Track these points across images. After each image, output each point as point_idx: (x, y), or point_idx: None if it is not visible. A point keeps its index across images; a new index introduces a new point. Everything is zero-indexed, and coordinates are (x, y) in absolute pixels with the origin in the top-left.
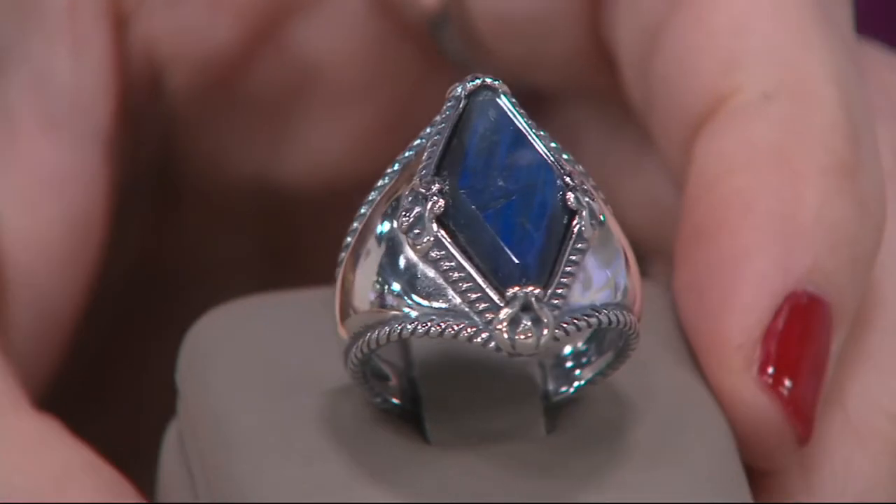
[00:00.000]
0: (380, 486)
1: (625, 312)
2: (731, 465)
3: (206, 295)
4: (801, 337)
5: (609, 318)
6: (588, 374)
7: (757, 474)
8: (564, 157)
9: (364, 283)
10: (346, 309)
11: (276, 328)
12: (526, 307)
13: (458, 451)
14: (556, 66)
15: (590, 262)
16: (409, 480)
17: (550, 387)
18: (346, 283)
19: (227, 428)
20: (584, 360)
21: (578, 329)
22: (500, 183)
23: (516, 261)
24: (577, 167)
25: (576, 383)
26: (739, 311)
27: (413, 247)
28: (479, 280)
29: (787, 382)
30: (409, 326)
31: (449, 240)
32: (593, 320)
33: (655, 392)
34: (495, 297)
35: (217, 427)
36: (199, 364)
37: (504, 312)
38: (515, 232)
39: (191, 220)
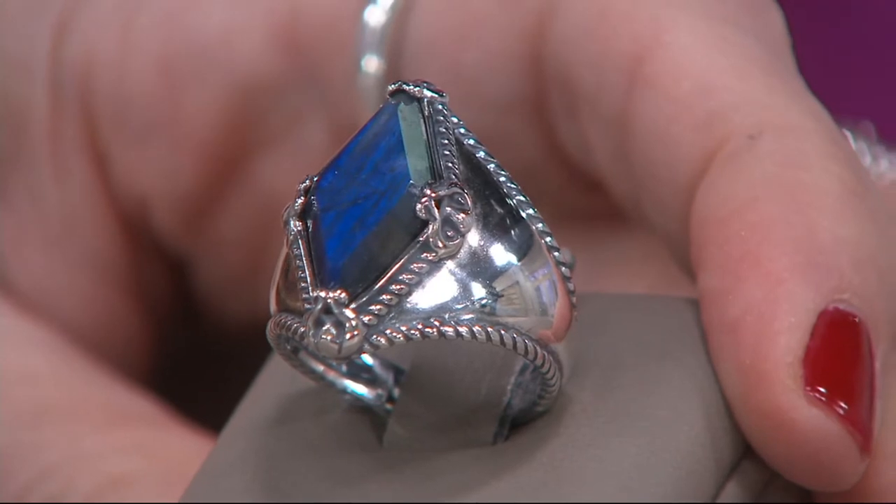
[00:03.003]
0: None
1: (496, 329)
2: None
3: None
4: (843, 355)
5: (460, 332)
6: (532, 394)
7: None
8: (502, 177)
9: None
10: None
11: None
12: (327, 310)
13: (396, 456)
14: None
15: (448, 273)
16: (326, 484)
17: (515, 401)
18: None
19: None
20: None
21: (409, 338)
22: (359, 186)
23: (330, 264)
24: (506, 186)
25: (527, 399)
26: (782, 331)
27: (286, 242)
28: (310, 280)
29: (843, 404)
30: (276, 318)
31: (302, 238)
32: (431, 332)
33: (628, 414)
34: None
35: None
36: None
37: (309, 315)
38: (344, 236)
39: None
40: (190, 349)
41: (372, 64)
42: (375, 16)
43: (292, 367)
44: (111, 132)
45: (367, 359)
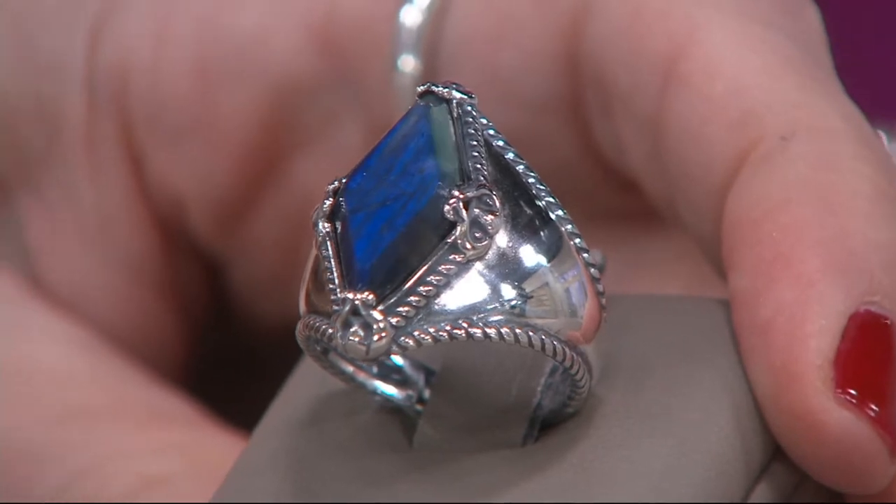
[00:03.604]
0: (320, 488)
1: (525, 331)
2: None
3: None
4: (874, 357)
5: (488, 333)
6: (562, 395)
7: None
8: (532, 178)
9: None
10: None
11: None
12: (355, 312)
13: (426, 457)
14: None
15: (477, 274)
16: (356, 485)
17: (545, 402)
18: None
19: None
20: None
21: (437, 340)
22: (387, 188)
23: (358, 266)
24: (535, 187)
25: (557, 400)
26: (813, 334)
27: (315, 243)
28: (338, 282)
29: (873, 406)
30: (305, 320)
31: (331, 240)
32: (459, 333)
33: (658, 415)
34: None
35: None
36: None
37: (337, 317)
38: (372, 237)
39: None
40: (223, 350)
41: (408, 64)
42: (412, 16)
43: (322, 368)
44: (146, 134)
45: (398, 360)
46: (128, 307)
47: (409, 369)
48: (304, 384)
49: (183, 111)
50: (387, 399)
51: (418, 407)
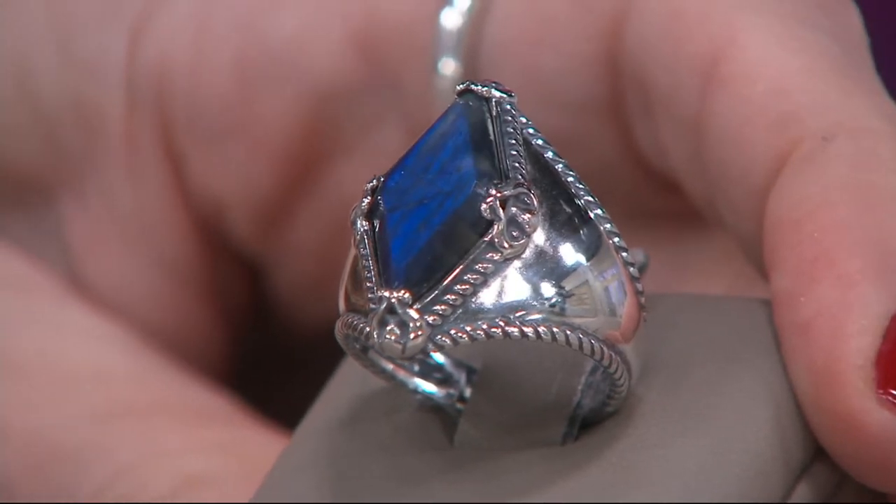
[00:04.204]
0: (356, 487)
1: (562, 330)
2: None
3: None
4: None
5: (525, 332)
6: (602, 393)
7: None
8: (571, 177)
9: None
10: None
11: None
12: (391, 310)
13: (466, 456)
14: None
15: (515, 272)
16: (395, 483)
17: (585, 401)
18: None
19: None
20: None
21: (473, 339)
22: (425, 186)
23: (394, 264)
24: (574, 186)
25: (597, 399)
26: (854, 334)
27: (353, 242)
28: (375, 280)
29: None
30: (343, 318)
31: (368, 238)
32: (496, 332)
33: (695, 414)
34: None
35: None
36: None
37: (373, 315)
38: (409, 236)
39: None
40: (263, 351)
41: (448, 67)
42: (452, 18)
43: (363, 366)
44: (186, 136)
45: (439, 358)
46: (168, 308)
47: (450, 368)
48: (346, 383)
49: (222, 113)
50: (427, 397)
51: (459, 405)
